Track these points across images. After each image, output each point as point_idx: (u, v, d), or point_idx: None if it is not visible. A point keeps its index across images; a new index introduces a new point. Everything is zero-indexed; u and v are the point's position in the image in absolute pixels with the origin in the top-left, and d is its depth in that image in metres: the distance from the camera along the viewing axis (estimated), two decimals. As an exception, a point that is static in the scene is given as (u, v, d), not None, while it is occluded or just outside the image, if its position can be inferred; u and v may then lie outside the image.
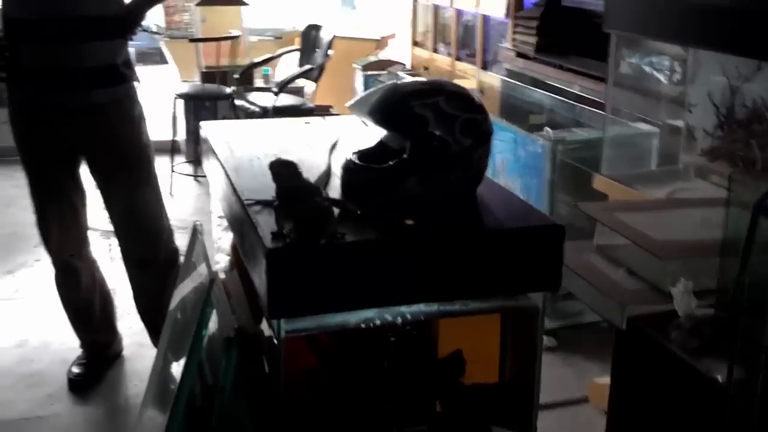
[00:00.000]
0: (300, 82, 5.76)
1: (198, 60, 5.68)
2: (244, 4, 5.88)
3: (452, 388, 1.78)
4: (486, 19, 4.91)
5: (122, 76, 2.57)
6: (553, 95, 3.87)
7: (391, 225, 1.57)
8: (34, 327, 3.26)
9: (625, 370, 1.81)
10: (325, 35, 5.40)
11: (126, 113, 2.60)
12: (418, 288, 1.54)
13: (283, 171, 1.46)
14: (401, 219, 1.58)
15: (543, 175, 3.08)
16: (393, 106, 1.64)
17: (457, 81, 5.03)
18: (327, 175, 1.79)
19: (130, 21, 2.58)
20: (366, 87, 5.95)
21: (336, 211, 1.59)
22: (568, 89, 3.83)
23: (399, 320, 1.60)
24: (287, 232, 1.47)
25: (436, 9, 5.65)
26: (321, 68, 5.33)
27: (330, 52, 5.33)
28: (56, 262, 2.77)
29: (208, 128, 2.34)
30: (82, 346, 2.91)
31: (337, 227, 1.51)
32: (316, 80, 5.37)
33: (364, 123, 1.69)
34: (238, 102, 5.06)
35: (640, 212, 1.86)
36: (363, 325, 1.57)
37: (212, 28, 5.79)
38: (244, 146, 2.13)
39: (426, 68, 5.88)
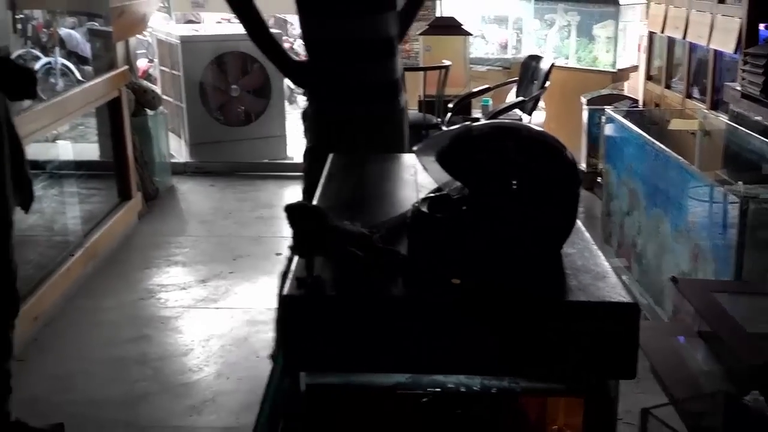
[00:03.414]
0: (521, 114, 5.58)
1: (420, 89, 5.71)
2: (468, 34, 5.83)
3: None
4: (718, 54, 4.45)
5: (400, 89, 2.83)
6: (774, 144, 3.40)
7: (432, 282, 1.42)
8: (204, 338, 3.42)
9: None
10: (544, 66, 5.20)
11: (402, 124, 2.85)
12: (449, 357, 1.38)
13: (297, 214, 1.36)
14: (447, 277, 1.43)
15: (730, 235, 2.69)
16: (453, 150, 1.49)
17: (681, 121, 4.61)
18: (401, 219, 1.66)
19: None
20: (591, 122, 5.66)
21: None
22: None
23: (437, 389, 1.44)
24: (311, 280, 1.38)
25: (671, 42, 5.23)
26: (536, 100, 5.14)
27: (547, 84, 5.12)
28: None
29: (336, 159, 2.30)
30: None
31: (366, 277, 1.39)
32: (530, 113, 5.18)
33: (425, 168, 1.55)
34: (447, 131, 5.00)
35: (757, 297, 1.52)
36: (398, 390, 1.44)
37: (437, 57, 5.80)
38: (350, 180, 2.07)
39: (657, 105, 5.47)
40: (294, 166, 6.04)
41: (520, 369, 1.40)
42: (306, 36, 2.79)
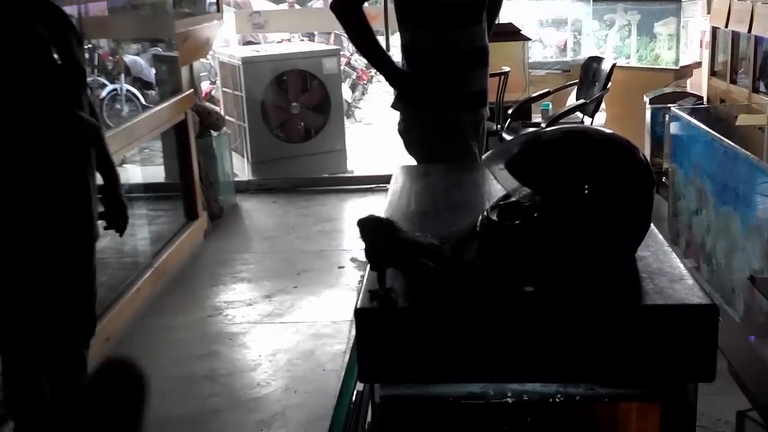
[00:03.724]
0: (582, 116, 5.50)
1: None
2: (527, 39, 5.77)
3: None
4: (785, 46, 4.33)
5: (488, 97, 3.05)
6: None
7: (504, 291, 1.40)
8: (271, 353, 3.45)
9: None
10: (605, 67, 5.12)
11: (485, 131, 3.08)
12: (523, 365, 1.35)
13: (368, 228, 1.36)
14: (519, 285, 1.40)
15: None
16: (523, 157, 1.47)
17: (748, 116, 4.48)
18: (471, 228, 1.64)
19: None
20: (654, 121, 5.54)
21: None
22: None
23: (513, 399, 1.41)
24: (383, 292, 1.37)
25: (735, 36, 5.10)
26: (598, 102, 5.06)
27: (608, 85, 5.04)
28: None
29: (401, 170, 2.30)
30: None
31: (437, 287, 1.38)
32: (591, 115, 5.11)
33: (494, 176, 1.53)
34: (508, 138, 4.97)
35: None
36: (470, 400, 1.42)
37: (495, 63, 5.74)
38: (416, 191, 2.06)
39: (723, 101, 5.34)
40: (355, 180, 6.07)
41: (597, 375, 1.37)
42: (407, 46, 2.86)
